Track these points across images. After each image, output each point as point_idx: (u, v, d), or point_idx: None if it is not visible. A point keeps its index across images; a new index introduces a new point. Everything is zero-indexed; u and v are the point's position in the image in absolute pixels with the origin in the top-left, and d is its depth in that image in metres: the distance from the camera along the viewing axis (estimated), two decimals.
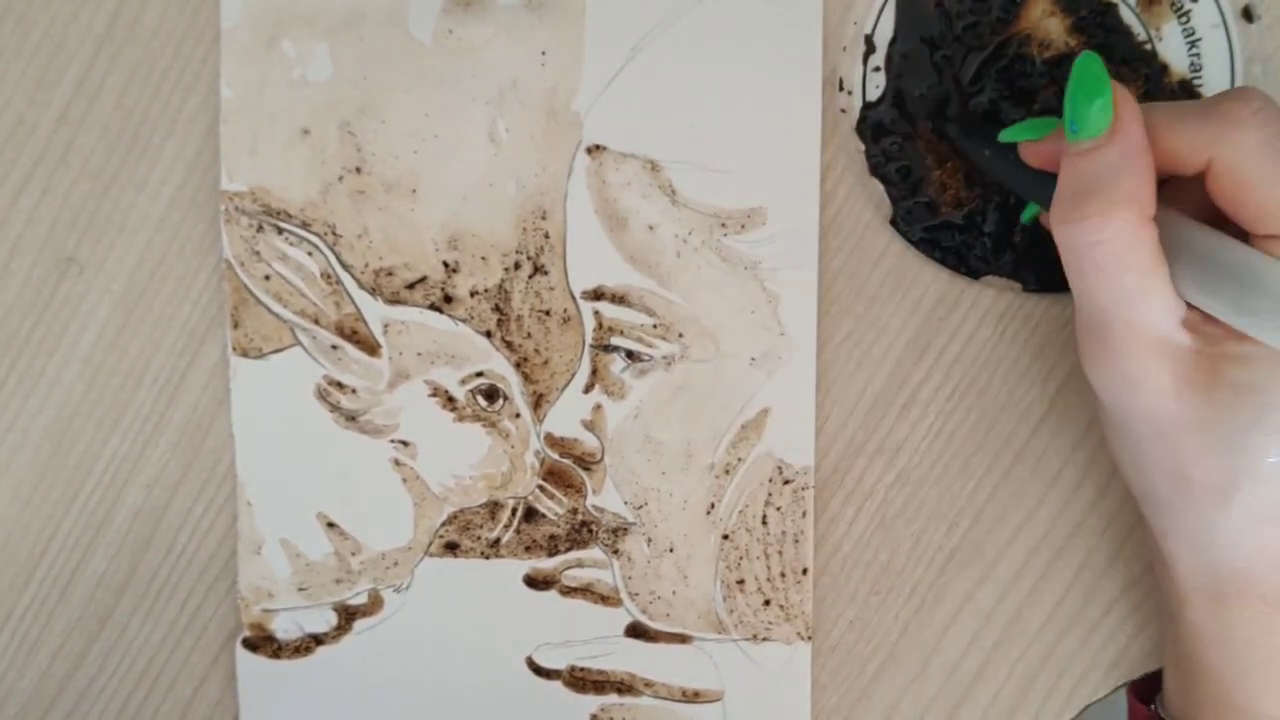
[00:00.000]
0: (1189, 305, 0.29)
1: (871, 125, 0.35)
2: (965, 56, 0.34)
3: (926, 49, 0.35)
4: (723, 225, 0.36)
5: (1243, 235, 0.29)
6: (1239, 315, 0.28)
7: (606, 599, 0.37)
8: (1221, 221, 0.29)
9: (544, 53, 0.36)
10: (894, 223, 0.36)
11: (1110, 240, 0.28)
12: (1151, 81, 0.34)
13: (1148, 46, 0.34)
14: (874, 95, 0.35)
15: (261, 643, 0.38)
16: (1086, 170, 0.29)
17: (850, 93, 0.35)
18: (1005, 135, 0.33)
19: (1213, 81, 0.34)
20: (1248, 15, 0.34)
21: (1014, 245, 0.35)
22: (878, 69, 0.35)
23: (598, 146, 0.36)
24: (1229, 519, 0.29)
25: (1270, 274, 0.28)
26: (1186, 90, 0.34)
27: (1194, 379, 0.29)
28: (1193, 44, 0.34)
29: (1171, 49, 0.34)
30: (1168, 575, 0.32)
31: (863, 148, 0.35)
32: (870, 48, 0.35)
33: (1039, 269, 0.35)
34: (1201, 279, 0.28)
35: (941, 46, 0.34)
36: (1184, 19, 0.34)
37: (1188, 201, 0.30)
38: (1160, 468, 0.30)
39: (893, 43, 0.35)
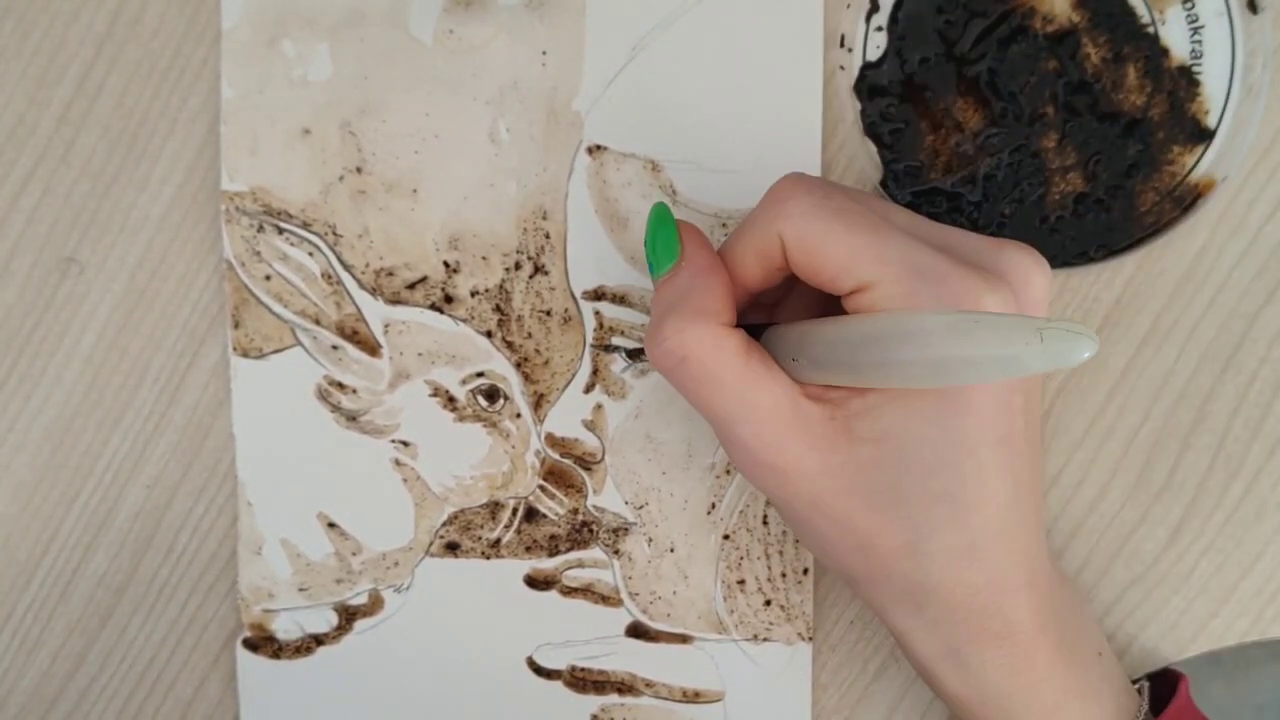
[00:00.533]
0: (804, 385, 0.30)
1: (869, 85, 0.35)
2: (968, 22, 0.35)
3: (931, 11, 0.35)
4: (723, 225, 0.36)
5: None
6: (850, 374, 0.28)
7: (607, 599, 0.37)
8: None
9: (544, 53, 0.36)
10: (884, 184, 0.36)
11: (693, 352, 0.29)
12: (1151, 64, 0.34)
13: (1150, 29, 0.34)
14: (874, 55, 0.35)
15: (262, 643, 0.38)
16: (663, 296, 0.30)
17: (850, 50, 0.35)
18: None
19: (1213, 70, 0.34)
20: (1252, 7, 0.34)
21: (1002, 218, 0.35)
22: (880, 29, 0.35)
23: (598, 146, 0.36)
24: (928, 573, 0.29)
25: (849, 328, 0.28)
26: (1185, 76, 0.34)
27: (834, 448, 0.29)
28: (1195, 30, 0.34)
29: (1174, 33, 0.34)
30: (909, 654, 0.32)
31: (859, 106, 0.35)
32: (874, 6, 0.35)
33: (1025, 242, 0.35)
34: (814, 359, 0.29)
35: (946, 11, 0.34)
36: (1188, 4, 0.34)
37: (806, 309, 0.33)
38: (845, 545, 0.30)
39: (897, 3, 0.35)
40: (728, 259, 0.31)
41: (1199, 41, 0.34)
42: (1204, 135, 0.35)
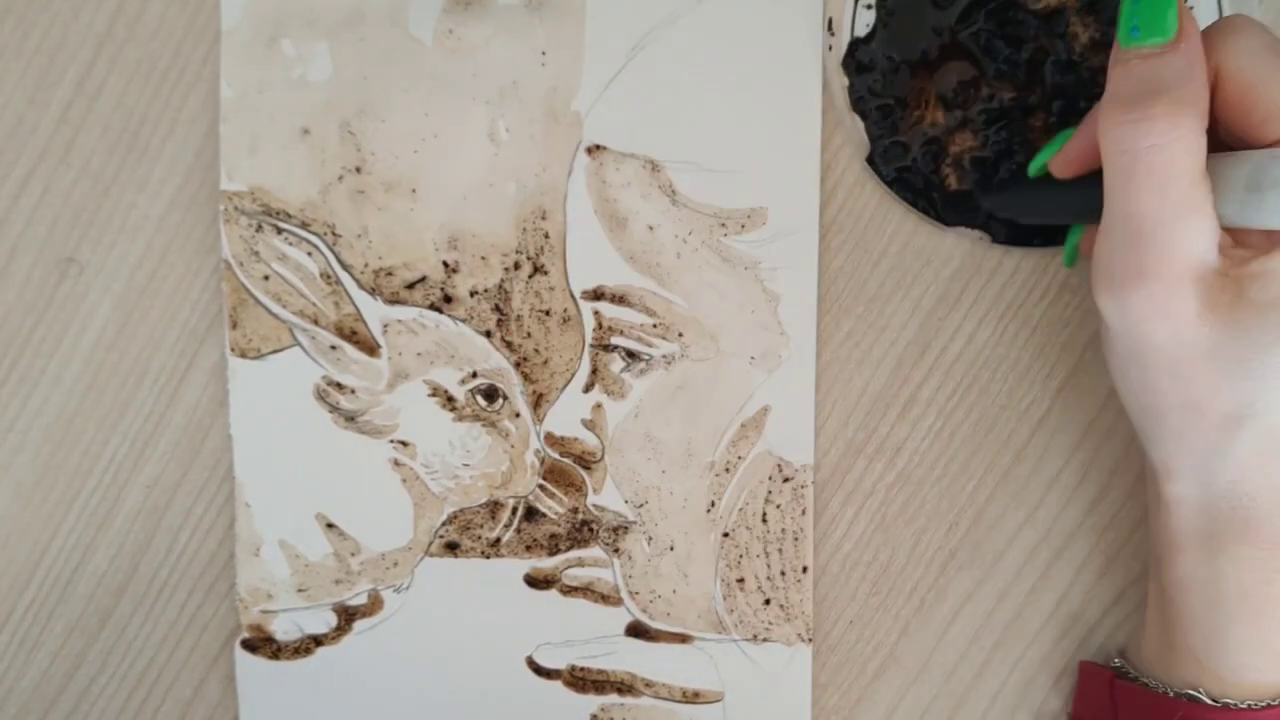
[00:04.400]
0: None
1: (857, 60, 0.35)
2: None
3: None
4: (723, 225, 0.36)
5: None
6: (1268, 213, 0.27)
7: (607, 598, 0.37)
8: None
9: (544, 53, 0.36)
10: (870, 160, 0.36)
11: (1172, 144, 0.27)
12: None
13: None
14: (862, 31, 0.35)
15: (261, 644, 0.38)
16: (1148, 73, 0.28)
17: (835, 34, 0.35)
18: (1035, 166, 0.33)
19: None
20: None
21: (994, 183, 0.35)
22: (869, 6, 0.35)
23: (598, 146, 0.36)
24: (1238, 448, 0.29)
25: None
26: None
27: (1217, 303, 0.28)
28: None
29: None
30: (1165, 520, 0.32)
31: (846, 82, 0.35)
32: None
33: (1010, 222, 0.36)
34: (1231, 193, 0.28)
35: None
36: None
37: None
38: (1171, 398, 0.30)
39: None
40: None
41: (1191, 8, 0.34)
42: None
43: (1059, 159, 0.32)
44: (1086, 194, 0.31)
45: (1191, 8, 0.34)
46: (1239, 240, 0.29)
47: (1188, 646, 0.32)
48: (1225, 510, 0.30)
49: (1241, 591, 0.31)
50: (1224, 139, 0.30)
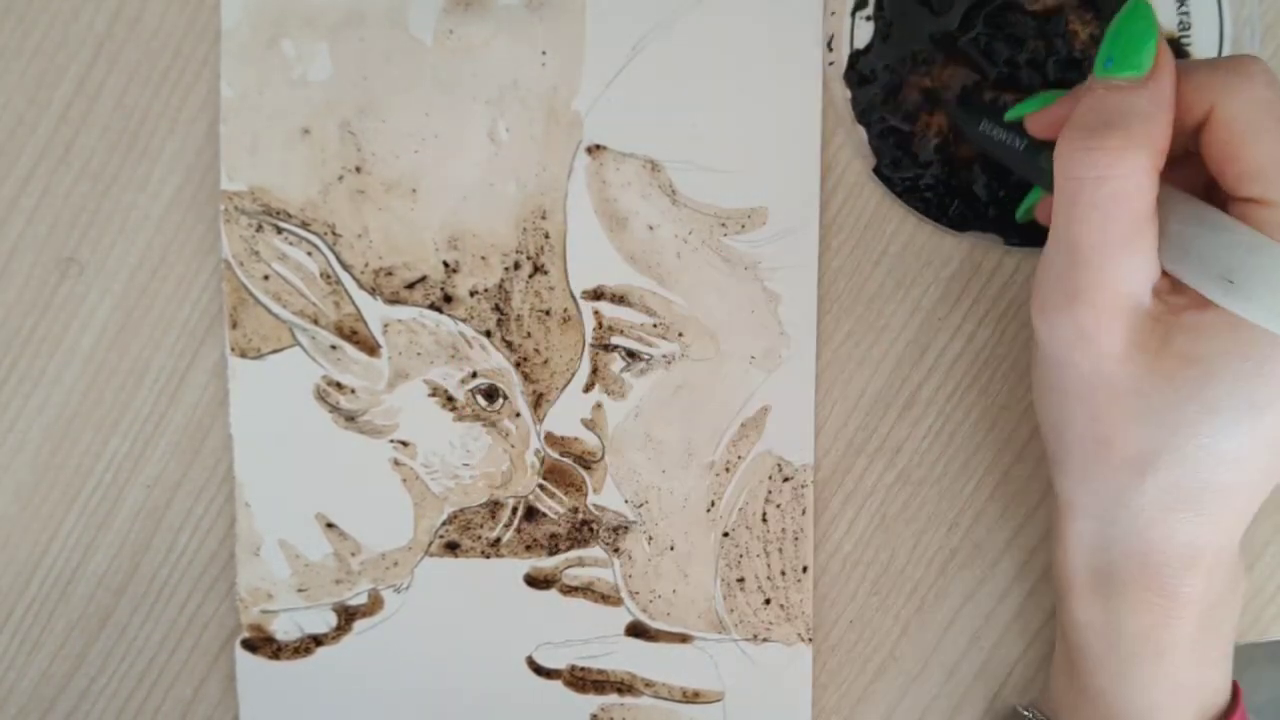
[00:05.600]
0: (1162, 272, 0.29)
1: (858, 72, 0.35)
2: (953, 2, 0.35)
3: None
4: (723, 225, 0.36)
5: (1221, 205, 0.29)
6: (1218, 287, 0.27)
7: (607, 598, 0.37)
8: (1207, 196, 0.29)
9: (544, 53, 0.36)
10: (878, 171, 0.36)
11: (1118, 179, 0.27)
12: None
13: None
14: (862, 43, 0.35)
15: (261, 644, 0.38)
16: (1113, 105, 0.28)
17: (834, 49, 0.35)
18: (1012, 112, 0.32)
19: (1201, 41, 0.34)
20: None
21: (998, 199, 0.35)
22: (868, 18, 0.35)
23: (598, 146, 0.36)
24: (1142, 495, 0.29)
25: (1259, 247, 0.27)
26: (1175, 49, 0.34)
27: (1145, 345, 0.28)
28: (1182, 2, 0.34)
29: (1160, 7, 0.34)
30: (1064, 557, 0.32)
31: (849, 94, 0.35)
32: (861, 2, 0.35)
33: (1020, 232, 0.36)
34: (1185, 247, 0.28)
35: None
36: None
37: (1176, 180, 0.30)
38: (1084, 429, 0.30)
39: None
40: None
41: (1186, 13, 0.34)
42: None
43: (1039, 119, 0.32)
44: (1048, 162, 0.30)
45: (1188, 11, 0.34)
46: (1177, 288, 0.29)
47: (1096, 689, 0.32)
48: (1123, 557, 0.30)
49: (1141, 633, 0.31)
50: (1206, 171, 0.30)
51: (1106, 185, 0.27)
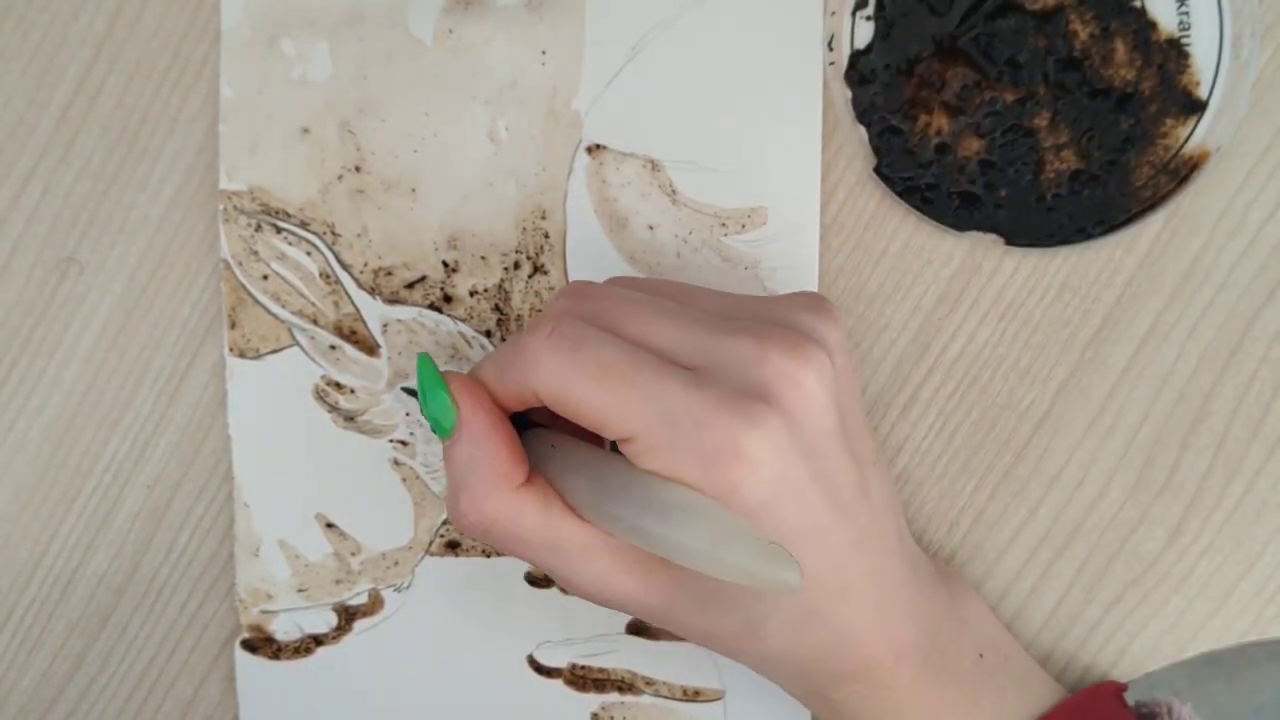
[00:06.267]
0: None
1: (859, 72, 0.35)
2: (954, 2, 0.34)
3: None
4: (723, 225, 0.36)
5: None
6: (603, 520, 0.29)
7: None
8: None
9: (544, 52, 0.36)
10: (878, 171, 0.35)
11: (493, 524, 0.30)
12: (1140, 37, 0.34)
13: (1136, 3, 0.34)
14: (862, 43, 0.35)
15: (261, 644, 0.38)
16: (452, 467, 0.30)
17: (835, 49, 0.35)
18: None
19: (1202, 41, 0.34)
20: None
21: (998, 200, 0.35)
22: (869, 18, 0.35)
23: (598, 146, 0.36)
24: (770, 645, 0.30)
25: (621, 478, 0.29)
26: (1175, 48, 0.34)
27: (648, 568, 0.30)
28: (1182, 2, 0.34)
29: (1160, 6, 0.34)
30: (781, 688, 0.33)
31: (849, 95, 0.35)
32: (861, 2, 0.35)
33: (1023, 222, 0.35)
34: (599, 509, 0.29)
35: None
36: None
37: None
38: (692, 638, 0.31)
39: None
40: (492, 388, 0.30)
41: (1186, 13, 0.34)
42: (1196, 107, 0.35)
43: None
44: None
45: (1187, 13, 0.34)
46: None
47: None
48: (800, 677, 0.31)
49: (868, 711, 0.31)
50: None
51: (494, 532, 0.30)
